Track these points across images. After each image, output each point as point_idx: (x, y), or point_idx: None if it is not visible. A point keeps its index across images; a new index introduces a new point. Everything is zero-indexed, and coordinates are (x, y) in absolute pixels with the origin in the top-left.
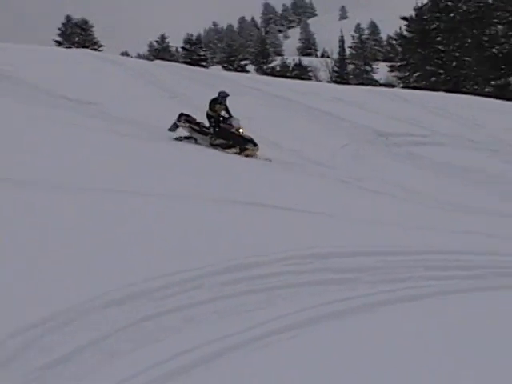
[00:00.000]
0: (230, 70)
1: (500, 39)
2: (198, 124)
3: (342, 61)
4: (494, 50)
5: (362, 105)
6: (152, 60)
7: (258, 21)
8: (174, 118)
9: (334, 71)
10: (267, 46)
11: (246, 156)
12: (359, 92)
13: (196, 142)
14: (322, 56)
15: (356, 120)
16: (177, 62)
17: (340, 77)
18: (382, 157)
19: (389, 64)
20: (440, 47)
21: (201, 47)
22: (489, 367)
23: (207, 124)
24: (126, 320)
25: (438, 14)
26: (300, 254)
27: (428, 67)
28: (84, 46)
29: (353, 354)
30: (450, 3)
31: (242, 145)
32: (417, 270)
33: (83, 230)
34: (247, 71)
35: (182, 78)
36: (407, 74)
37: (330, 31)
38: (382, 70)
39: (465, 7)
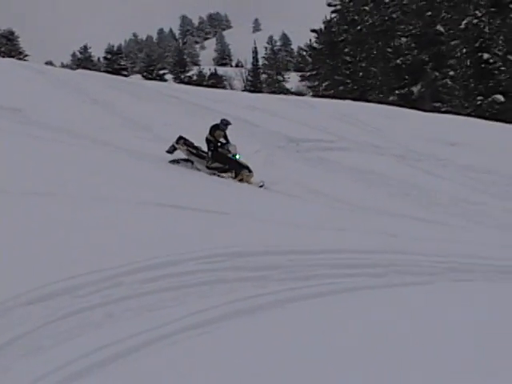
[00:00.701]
0: (149, 78)
1: (403, 51)
2: (195, 148)
3: (255, 70)
4: (397, 61)
5: (274, 112)
6: (75, 69)
7: (176, 32)
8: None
9: (247, 80)
10: (184, 56)
11: (240, 181)
12: (271, 100)
13: (192, 165)
14: (237, 66)
15: (269, 126)
16: (99, 71)
17: (253, 86)
18: (293, 161)
19: (299, 74)
20: (348, 58)
21: (122, 57)
22: (390, 356)
23: (204, 148)
24: (48, 316)
25: (345, 26)
26: (214, 252)
27: (336, 77)
28: (10, 56)
29: (262, 349)
30: (356, 17)
31: (238, 170)
32: (323, 268)
33: None
34: (166, 80)
35: (105, 86)
36: (317, 83)
37: (244, 42)
38: (293, 80)
39: (371, 20)
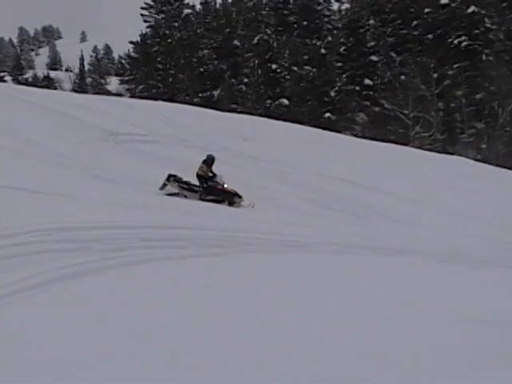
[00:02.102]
0: None
1: (206, 61)
2: (186, 183)
3: (81, 75)
4: (201, 69)
5: (97, 110)
6: None
7: (15, 41)
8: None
9: (75, 83)
10: (22, 61)
11: (235, 207)
12: (95, 100)
13: (186, 197)
14: (66, 71)
15: (93, 122)
16: None
17: (80, 87)
18: (113, 151)
19: (119, 78)
20: (159, 66)
21: None
22: (191, 305)
23: (194, 182)
24: None
25: (158, 39)
26: (43, 227)
27: (150, 81)
28: None
29: (87, 309)
30: (167, 31)
31: (230, 199)
32: (136, 241)
33: None
34: (5, 81)
35: None
36: (134, 86)
37: (73, 51)
38: (113, 83)
39: (179, 35)
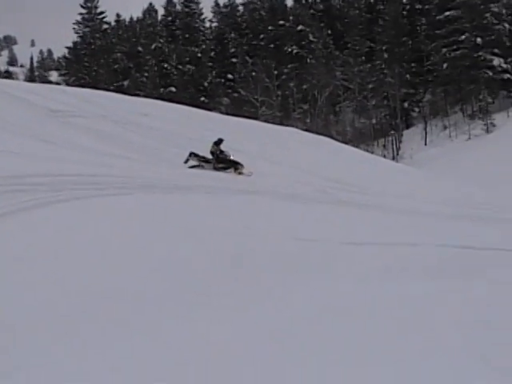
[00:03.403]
0: None
1: (119, 61)
2: (203, 157)
3: (31, 70)
4: (115, 66)
5: (42, 94)
6: None
7: None
8: None
9: (27, 76)
10: None
11: (239, 174)
12: (41, 87)
13: (203, 167)
14: (21, 67)
15: (39, 103)
16: None
17: (30, 79)
18: (53, 124)
19: (58, 72)
20: (86, 64)
21: None
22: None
23: (208, 156)
24: None
25: (85, 45)
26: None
27: (79, 75)
28: None
29: (30, 238)
30: (92, 40)
31: (235, 166)
32: (68, 184)
33: None
34: None
35: None
36: (68, 78)
37: (26, 53)
38: (54, 76)
39: (100, 42)
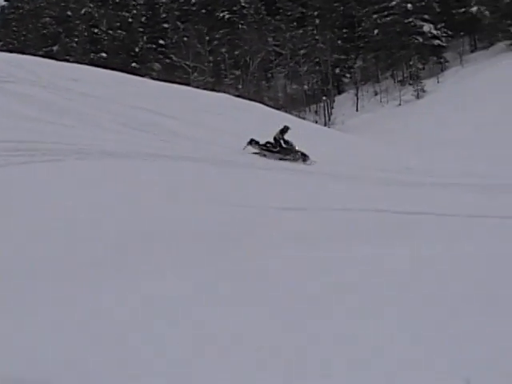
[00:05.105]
0: None
1: (48, 25)
2: (265, 145)
3: None
4: (44, 31)
5: None
6: None
7: None
8: None
9: None
10: None
11: (305, 164)
12: None
13: (265, 156)
14: None
15: None
16: None
17: None
18: None
19: None
20: (15, 29)
21: None
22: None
23: (270, 142)
24: None
25: (13, 10)
26: None
27: (8, 39)
28: None
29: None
30: (19, 4)
31: (303, 158)
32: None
33: None
34: None
35: None
36: None
37: None
38: None
39: (28, 7)
